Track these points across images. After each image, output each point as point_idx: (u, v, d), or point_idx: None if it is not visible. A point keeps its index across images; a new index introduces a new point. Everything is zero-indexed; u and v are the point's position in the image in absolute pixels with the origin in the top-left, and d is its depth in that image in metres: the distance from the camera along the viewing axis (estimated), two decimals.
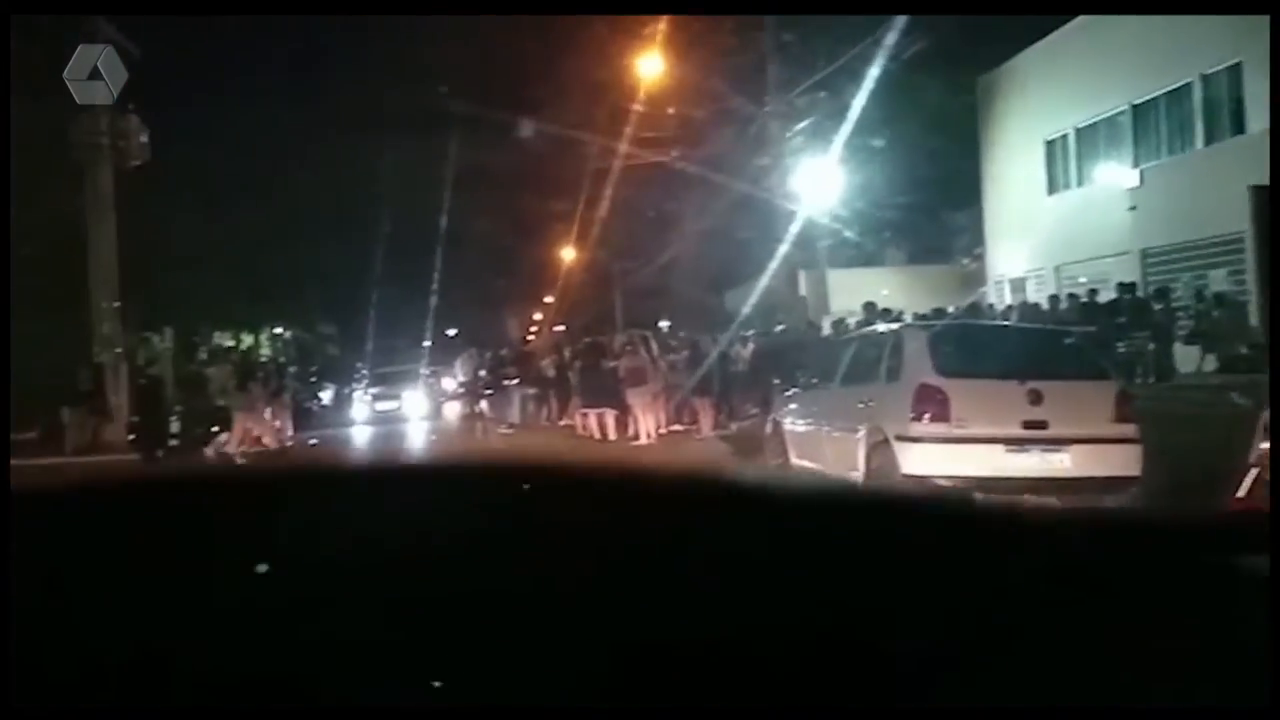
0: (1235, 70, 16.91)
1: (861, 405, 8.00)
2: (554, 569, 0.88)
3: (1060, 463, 7.14)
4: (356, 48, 31.17)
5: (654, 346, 16.62)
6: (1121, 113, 19.83)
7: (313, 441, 17.19)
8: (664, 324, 25.71)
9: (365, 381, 28.79)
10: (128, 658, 0.82)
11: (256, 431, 16.62)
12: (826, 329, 16.81)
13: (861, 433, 7.78)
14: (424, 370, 28.85)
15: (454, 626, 0.84)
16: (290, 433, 17.92)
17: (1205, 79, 17.79)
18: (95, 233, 18.05)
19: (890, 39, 16.16)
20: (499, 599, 0.86)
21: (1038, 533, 1.03)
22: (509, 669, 0.81)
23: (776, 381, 12.46)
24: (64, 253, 20.65)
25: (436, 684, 0.81)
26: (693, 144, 20.97)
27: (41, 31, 18.74)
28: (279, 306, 34.54)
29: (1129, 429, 7.30)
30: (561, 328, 35.15)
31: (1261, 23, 12.51)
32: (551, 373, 19.82)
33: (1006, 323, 15.05)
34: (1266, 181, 10.77)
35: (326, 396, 27.85)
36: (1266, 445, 4.17)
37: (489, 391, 23.51)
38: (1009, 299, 20.97)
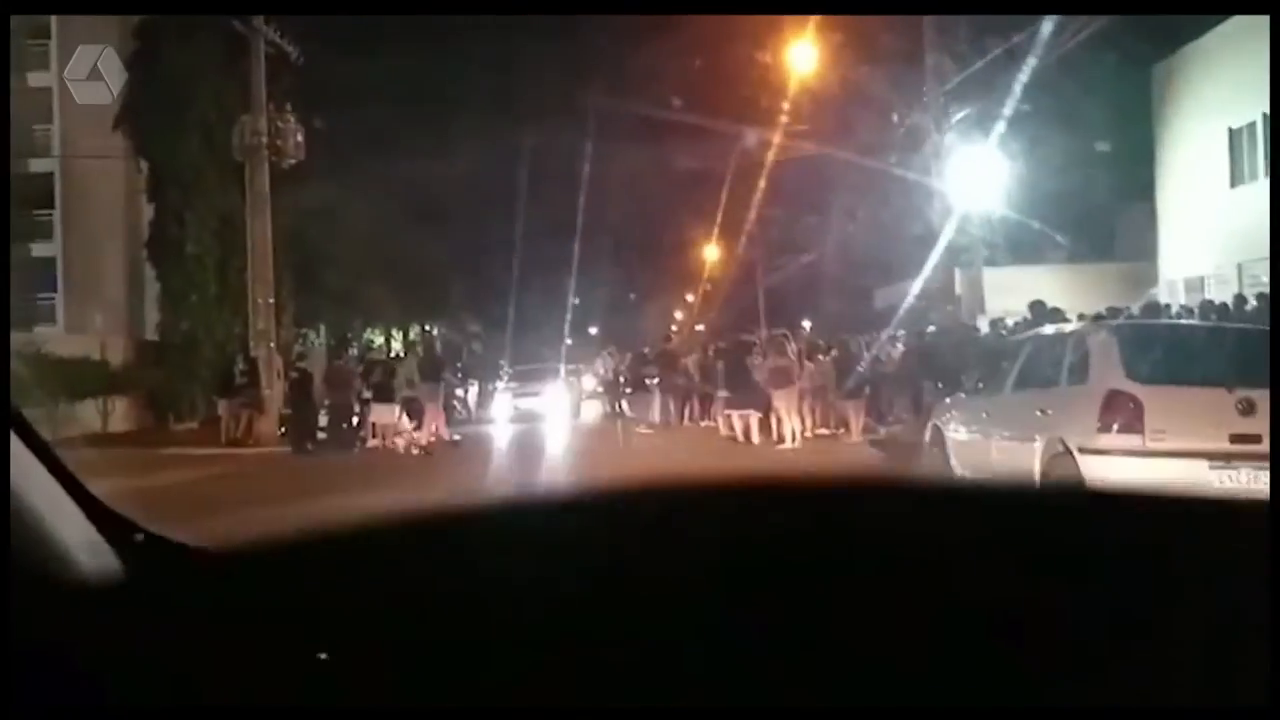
0: None
1: (1038, 413, 7.25)
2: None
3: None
4: (499, 45, 31.51)
5: (800, 346, 16.04)
6: None
7: (455, 438, 17.24)
8: (806, 324, 25.02)
9: (507, 378, 29.03)
10: None
11: (435, 423, 16.66)
12: (984, 330, 15.94)
13: (1038, 443, 7.04)
14: (564, 368, 28.90)
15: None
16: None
17: None
18: (253, 230, 18.59)
19: (1051, 27, 15.23)
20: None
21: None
22: None
23: (938, 385, 11.71)
24: (225, 250, 21.46)
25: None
26: (843, 138, 20.30)
27: (201, 34, 19.41)
28: (428, 304, 35.26)
29: None
30: (701, 327, 34.84)
31: None
32: (695, 372, 19.43)
33: (1207, 322, 13.66)
34: None
35: (471, 393, 28.18)
36: None
37: (629, 391, 23.35)
38: (1183, 300, 19.55)
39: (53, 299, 29.58)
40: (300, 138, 19.03)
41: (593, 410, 26.14)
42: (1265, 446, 6.33)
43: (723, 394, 16.19)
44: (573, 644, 0.89)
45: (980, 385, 9.03)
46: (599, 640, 0.88)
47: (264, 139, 18.42)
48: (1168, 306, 18.03)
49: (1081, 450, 6.60)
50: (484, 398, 28.72)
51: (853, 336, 16.75)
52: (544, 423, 22.75)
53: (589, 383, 29.47)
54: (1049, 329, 9.47)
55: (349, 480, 12.38)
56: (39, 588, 1.03)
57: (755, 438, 14.89)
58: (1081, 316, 13.87)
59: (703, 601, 0.89)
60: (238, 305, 19.40)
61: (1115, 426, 6.47)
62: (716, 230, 30.55)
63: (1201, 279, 20.85)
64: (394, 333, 37.61)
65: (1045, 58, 15.92)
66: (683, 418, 19.58)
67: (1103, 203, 25.44)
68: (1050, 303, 16.06)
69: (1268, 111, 19.60)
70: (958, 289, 18.90)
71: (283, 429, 17.59)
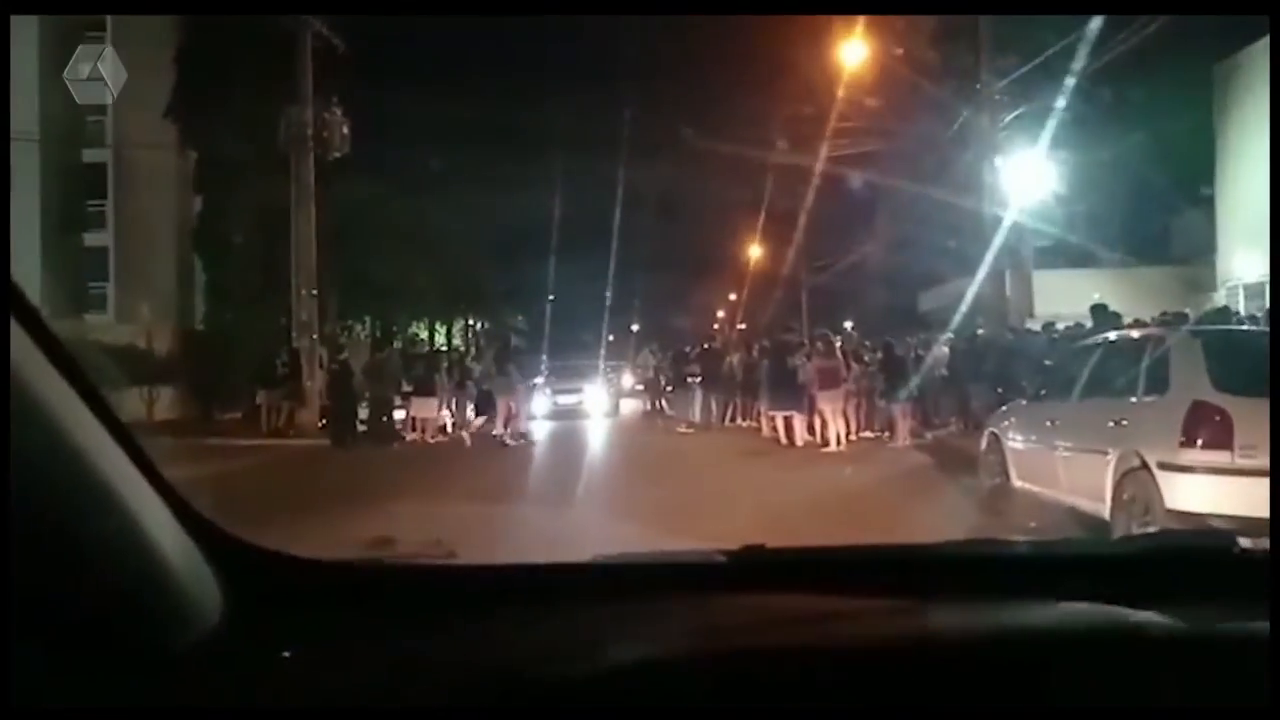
0: None
1: (1111, 424, 6.81)
2: None
3: None
4: (547, 43, 31.45)
5: (846, 347, 15.75)
6: None
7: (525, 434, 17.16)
8: (848, 324, 24.63)
9: (546, 374, 28.91)
10: None
11: (504, 415, 16.65)
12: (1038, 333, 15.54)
13: (1111, 457, 6.62)
14: (605, 365, 28.70)
15: None
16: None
17: None
18: (297, 222, 18.63)
19: (1107, 28, 14.81)
20: None
21: None
22: None
23: (996, 390, 11.31)
24: (269, 242, 21.55)
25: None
26: (891, 138, 19.93)
27: (250, 28, 19.47)
28: (470, 298, 35.29)
29: None
30: (743, 325, 34.53)
31: None
32: (738, 371, 19.18)
33: None
34: None
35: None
36: None
37: (670, 389, 23.14)
38: (1243, 305, 18.95)
39: (104, 288, 30.01)
40: (346, 130, 19.05)
41: (631, 408, 25.94)
42: None
43: (766, 394, 15.96)
44: None
45: (1043, 392, 8.66)
46: None
47: (309, 131, 18.45)
48: (1236, 313, 17.42)
49: (1161, 466, 6.16)
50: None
51: (898, 338, 16.40)
52: (584, 420, 22.54)
53: (628, 380, 29.27)
54: (1119, 333, 8.89)
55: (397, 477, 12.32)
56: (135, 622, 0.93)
57: (798, 439, 14.64)
58: (1138, 322, 13.44)
59: None
60: (282, 297, 19.47)
61: (1200, 441, 6.00)
62: (760, 228, 30.21)
63: (1263, 285, 20.20)
64: (437, 326, 37.73)
65: (1101, 57, 15.49)
66: (724, 418, 19.35)
67: (1156, 205, 24.81)
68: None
69: None
70: (1008, 291, 18.49)
71: (323, 420, 17.61)
